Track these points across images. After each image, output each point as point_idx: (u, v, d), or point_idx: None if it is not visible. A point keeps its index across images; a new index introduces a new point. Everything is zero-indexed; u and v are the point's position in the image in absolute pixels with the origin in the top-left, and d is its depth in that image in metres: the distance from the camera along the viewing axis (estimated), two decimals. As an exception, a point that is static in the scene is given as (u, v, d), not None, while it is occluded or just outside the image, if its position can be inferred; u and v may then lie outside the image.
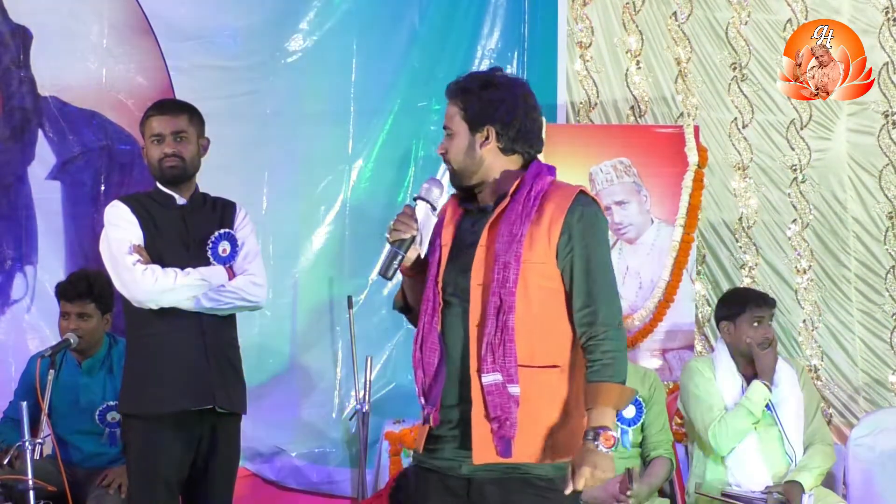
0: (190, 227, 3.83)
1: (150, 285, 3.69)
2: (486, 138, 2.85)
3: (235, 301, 3.80)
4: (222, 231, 3.85)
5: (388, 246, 2.87)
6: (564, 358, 2.81)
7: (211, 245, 3.82)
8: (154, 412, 3.74)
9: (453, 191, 2.99)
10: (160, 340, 3.76)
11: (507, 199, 2.82)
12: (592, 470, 2.70)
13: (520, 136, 2.86)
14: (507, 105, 2.84)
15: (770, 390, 4.35)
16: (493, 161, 2.87)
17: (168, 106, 3.94)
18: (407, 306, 3.04)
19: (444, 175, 3.19)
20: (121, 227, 3.79)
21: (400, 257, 2.85)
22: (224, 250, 3.84)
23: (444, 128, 2.90)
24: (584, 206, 2.82)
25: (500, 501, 2.79)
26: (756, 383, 4.36)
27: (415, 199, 2.90)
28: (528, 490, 2.79)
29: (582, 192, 2.85)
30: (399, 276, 2.96)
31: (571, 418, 2.80)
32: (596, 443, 2.71)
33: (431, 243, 2.96)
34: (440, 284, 2.84)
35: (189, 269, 3.74)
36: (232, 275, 3.82)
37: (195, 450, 3.78)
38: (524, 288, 2.76)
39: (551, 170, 2.91)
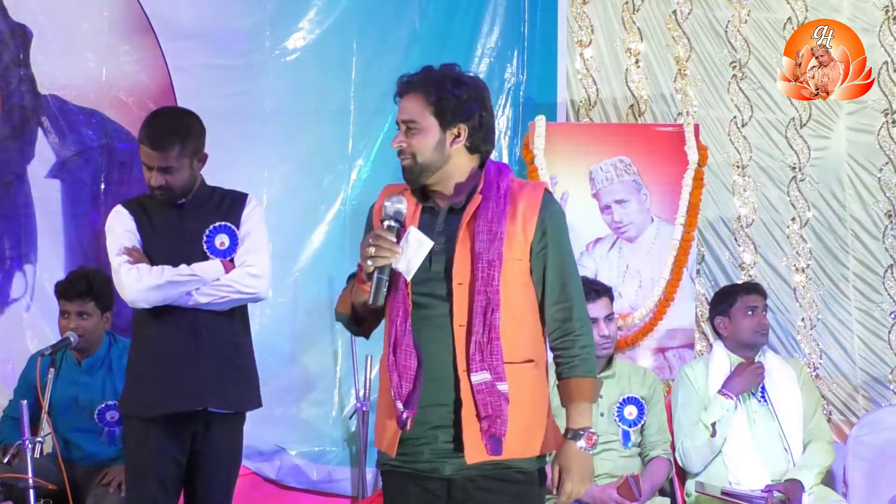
0: (187, 224, 3.79)
1: (134, 284, 3.67)
2: (457, 136, 2.85)
3: (231, 294, 3.75)
4: (218, 224, 3.79)
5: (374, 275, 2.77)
6: (537, 352, 2.88)
7: (206, 239, 3.78)
8: (144, 415, 3.74)
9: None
10: (154, 341, 3.76)
11: (478, 196, 2.83)
12: (580, 474, 2.81)
13: (487, 135, 2.89)
14: (478, 104, 2.87)
15: (735, 403, 4.37)
16: (458, 159, 2.87)
17: (157, 139, 3.69)
18: (355, 318, 3.00)
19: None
20: (116, 232, 3.78)
21: (387, 282, 2.79)
22: (222, 243, 3.79)
23: (406, 121, 2.84)
24: (554, 205, 2.90)
25: (481, 499, 2.81)
26: (717, 397, 4.38)
27: (385, 223, 2.78)
28: (508, 488, 2.82)
29: (547, 191, 2.92)
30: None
31: (545, 411, 2.88)
32: (579, 444, 2.82)
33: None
34: (409, 286, 2.81)
35: (182, 266, 3.71)
36: (232, 268, 3.77)
37: (190, 447, 3.77)
38: (505, 285, 2.79)
39: (509, 168, 2.97)
